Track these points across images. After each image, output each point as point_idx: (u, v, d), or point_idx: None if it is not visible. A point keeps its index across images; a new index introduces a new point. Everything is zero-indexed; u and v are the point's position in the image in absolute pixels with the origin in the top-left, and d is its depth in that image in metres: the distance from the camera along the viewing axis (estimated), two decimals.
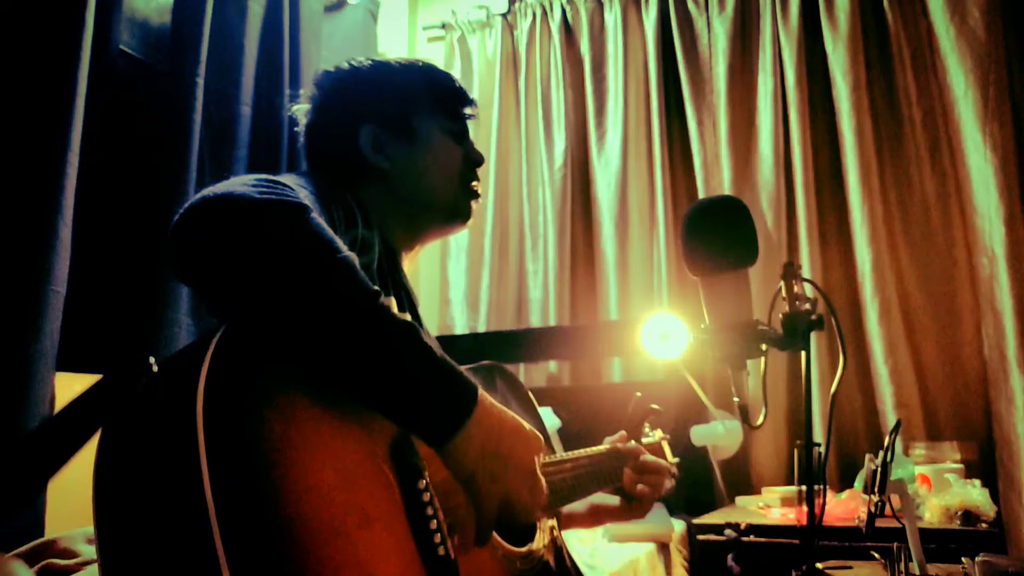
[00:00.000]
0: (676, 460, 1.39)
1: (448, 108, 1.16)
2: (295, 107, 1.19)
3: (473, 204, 1.17)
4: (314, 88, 1.17)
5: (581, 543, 2.02)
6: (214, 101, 2.15)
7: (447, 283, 3.19)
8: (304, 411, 0.69)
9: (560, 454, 1.17)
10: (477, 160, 1.18)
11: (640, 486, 1.24)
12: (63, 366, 1.57)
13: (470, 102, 1.19)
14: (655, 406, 1.34)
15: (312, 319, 0.69)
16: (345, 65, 1.17)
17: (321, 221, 0.75)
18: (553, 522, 1.17)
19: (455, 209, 1.15)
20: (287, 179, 0.83)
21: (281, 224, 0.71)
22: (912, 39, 2.71)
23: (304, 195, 0.79)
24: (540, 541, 1.08)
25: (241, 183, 0.73)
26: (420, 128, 1.13)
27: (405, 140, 1.12)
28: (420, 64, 1.19)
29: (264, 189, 0.73)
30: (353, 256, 0.74)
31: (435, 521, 0.80)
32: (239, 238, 0.69)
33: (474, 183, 1.17)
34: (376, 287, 0.74)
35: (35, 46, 1.60)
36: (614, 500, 1.28)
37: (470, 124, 1.21)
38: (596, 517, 1.30)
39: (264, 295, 0.69)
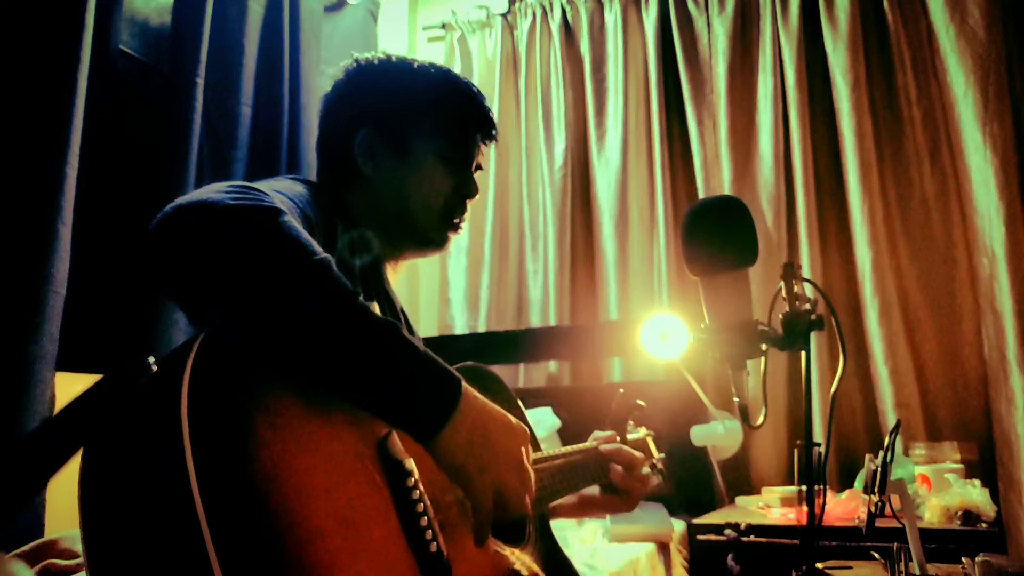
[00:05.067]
0: (662, 456, 1.39)
1: (453, 133, 1.11)
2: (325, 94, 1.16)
3: (451, 235, 1.13)
4: (341, 72, 1.14)
5: (581, 543, 2.01)
6: (214, 101, 2.15)
7: (447, 283, 3.19)
8: (290, 412, 0.69)
9: (548, 451, 1.16)
10: (468, 194, 1.13)
11: (628, 481, 1.25)
12: (63, 366, 1.57)
13: (485, 131, 1.15)
14: (640, 402, 1.34)
15: (289, 321, 0.69)
16: (379, 57, 1.14)
17: (296, 223, 0.74)
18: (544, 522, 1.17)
19: (427, 238, 1.12)
20: (265, 184, 0.82)
21: (253, 228, 0.70)
22: (912, 39, 2.71)
23: (280, 199, 0.78)
24: (533, 539, 1.08)
25: (214, 190, 0.73)
26: (414, 147, 1.09)
27: (396, 154, 1.09)
28: (444, 80, 1.14)
29: (237, 195, 0.72)
30: (329, 257, 0.74)
31: (426, 518, 0.80)
32: (212, 244, 0.69)
33: (458, 218, 1.13)
34: (355, 288, 0.74)
35: (35, 46, 1.60)
36: (598, 491, 1.29)
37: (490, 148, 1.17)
38: (583, 508, 1.31)
39: (240, 299, 0.69)
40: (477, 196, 1.16)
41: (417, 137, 1.10)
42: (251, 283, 0.69)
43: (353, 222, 1.03)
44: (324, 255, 0.73)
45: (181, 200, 0.72)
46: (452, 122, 1.12)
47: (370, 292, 1.02)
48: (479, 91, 1.17)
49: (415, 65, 1.14)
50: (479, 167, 1.17)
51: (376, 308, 0.75)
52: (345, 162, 1.10)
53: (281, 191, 0.87)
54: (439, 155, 1.10)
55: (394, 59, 1.15)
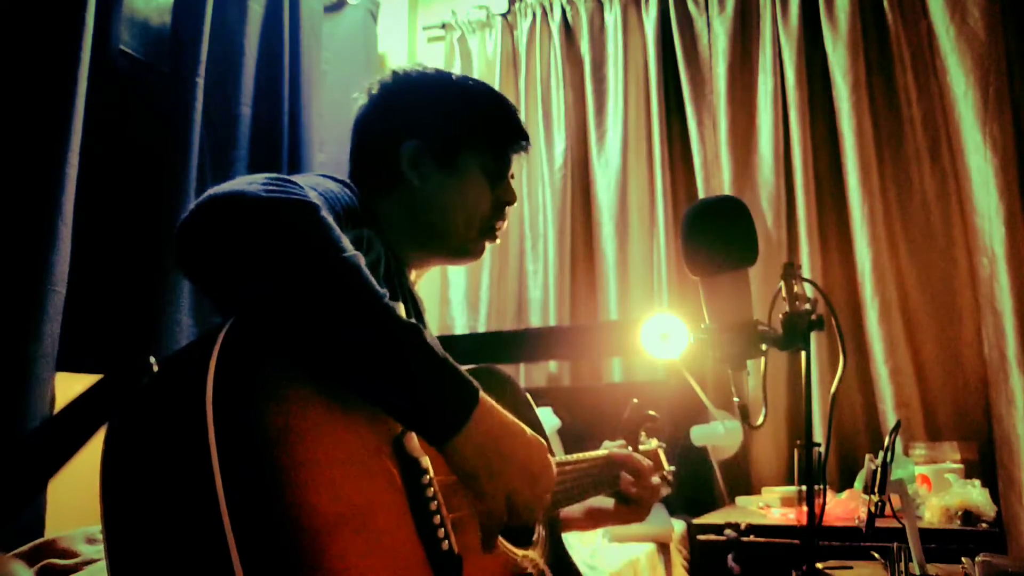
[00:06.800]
0: (672, 468, 1.39)
1: (497, 148, 1.14)
2: (356, 95, 1.17)
3: (487, 244, 1.16)
4: (378, 83, 1.15)
5: (582, 543, 2.02)
6: (214, 101, 2.15)
7: (447, 283, 3.19)
8: (311, 406, 0.70)
9: (559, 457, 1.17)
10: (508, 201, 1.16)
11: (638, 490, 1.24)
12: (63, 366, 1.57)
13: (522, 143, 1.17)
14: (652, 412, 1.34)
15: (315, 317, 0.70)
16: (417, 70, 1.16)
17: (330, 220, 0.75)
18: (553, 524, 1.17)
19: (464, 248, 1.14)
20: (300, 178, 0.82)
21: (288, 222, 0.71)
22: (912, 39, 2.71)
23: (314, 195, 0.79)
24: (541, 542, 1.08)
25: (249, 181, 0.73)
26: (463, 163, 1.11)
27: (444, 168, 1.11)
28: (489, 94, 1.17)
29: (272, 187, 0.73)
30: (359, 256, 0.74)
31: (439, 516, 0.80)
32: (245, 236, 0.69)
33: (498, 224, 1.15)
34: (384, 289, 0.74)
35: (35, 46, 1.61)
36: (611, 503, 1.28)
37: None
38: (594, 520, 1.30)
39: (269, 293, 0.69)
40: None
41: (464, 154, 1.12)
42: (280, 276, 0.69)
43: (377, 224, 1.04)
44: (355, 252, 0.74)
45: (216, 190, 0.72)
46: (495, 137, 1.14)
47: (395, 291, 1.03)
48: (512, 103, 1.19)
49: (454, 78, 1.17)
50: (512, 175, 1.19)
51: (401, 309, 0.75)
52: (387, 168, 1.11)
53: (314, 187, 0.87)
54: (483, 170, 1.13)
55: (432, 72, 1.16)
